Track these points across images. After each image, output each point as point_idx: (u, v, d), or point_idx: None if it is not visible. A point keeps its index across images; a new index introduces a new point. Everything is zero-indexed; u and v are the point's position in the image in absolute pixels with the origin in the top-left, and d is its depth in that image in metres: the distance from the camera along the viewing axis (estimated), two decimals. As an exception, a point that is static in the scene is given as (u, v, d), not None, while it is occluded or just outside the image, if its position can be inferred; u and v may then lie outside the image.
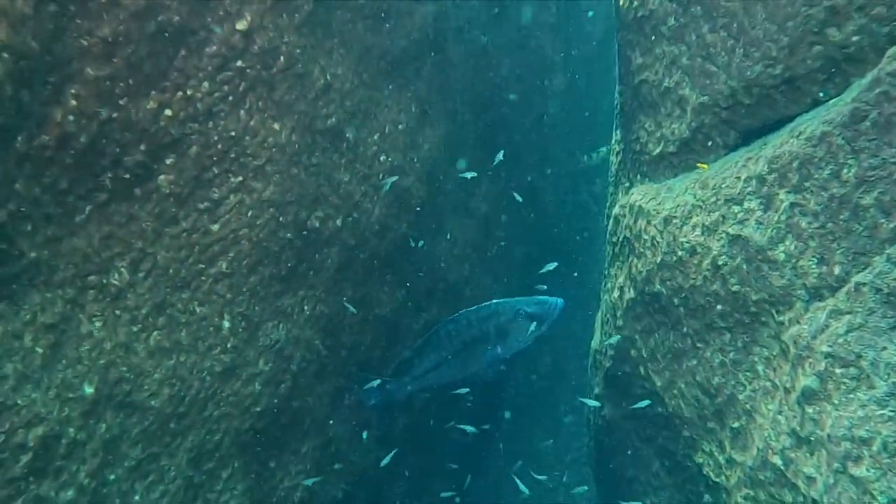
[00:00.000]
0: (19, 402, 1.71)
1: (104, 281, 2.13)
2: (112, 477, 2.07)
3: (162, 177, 2.33)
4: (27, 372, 1.76)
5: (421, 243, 3.77)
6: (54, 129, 1.88)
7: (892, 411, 1.80)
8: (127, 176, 2.19)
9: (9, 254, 1.75)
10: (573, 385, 6.30)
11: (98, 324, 2.07)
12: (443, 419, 4.62)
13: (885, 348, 1.84)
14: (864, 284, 1.91)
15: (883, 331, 1.85)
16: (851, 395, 1.93)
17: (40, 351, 1.82)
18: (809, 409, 2.11)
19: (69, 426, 1.88)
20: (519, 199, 4.72)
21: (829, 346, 2.02)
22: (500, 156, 4.26)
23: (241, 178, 2.64)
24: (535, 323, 3.04)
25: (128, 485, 2.15)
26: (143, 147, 2.22)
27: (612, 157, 3.72)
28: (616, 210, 3.31)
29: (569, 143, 6.67)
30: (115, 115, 2.07)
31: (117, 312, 2.18)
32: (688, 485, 3.03)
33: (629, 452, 3.57)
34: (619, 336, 3.31)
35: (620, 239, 3.25)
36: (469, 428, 4.17)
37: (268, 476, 3.10)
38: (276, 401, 3.03)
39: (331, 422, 3.61)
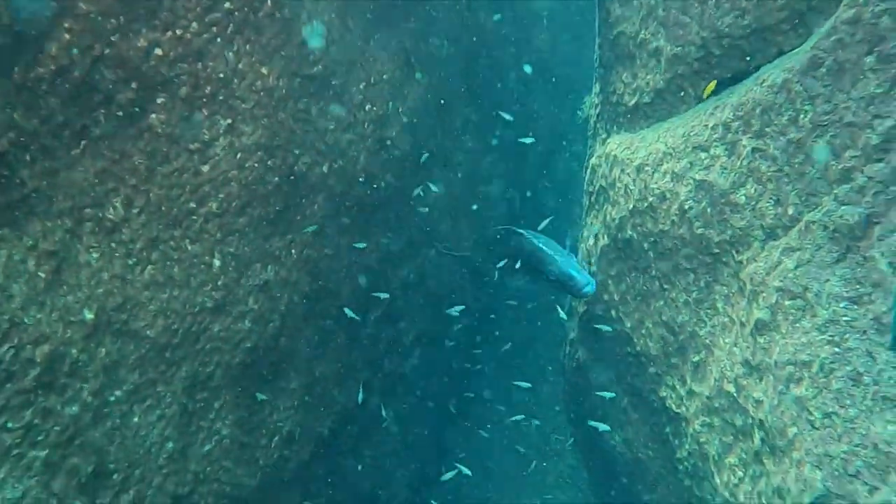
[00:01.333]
0: (26, 320, 1.82)
1: (100, 214, 2.22)
2: (112, 398, 2.20)
3: (153, 116, 2.39)
4: (32, 294, 1.86)
5: (418, 191, 3.95)
6: (49, 62, 1.94)
7: (831, 336, 1.99)
8: (120, 113, 2.26)
9: (10, 182, 1.83)
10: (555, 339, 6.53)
11: (95, 255, 2.17)
12: (430, 360, 4.82)
13: (828, 280, 2.01)
14: (814, 223, 2.07)
15: (828, 264, 2.03)
16: (797, 324, 2.12)
17: (43, 276, 1.92)
18: (761, 340, 2.30)
19: (72, 347, 2.00)
20: (528, 140, 4.89)
21: (781, 281, 2.19)
22: (529, 139, 4.47)
23: (230, 121, 2.71)
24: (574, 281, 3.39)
25: (127, 406, 2.29)
26: (134, 85, 2.28)
27: (591, 111, 3.82)
28: (593, 161, 3.44)
29: (555, 99, 6.73)
30: (107, 51, 2.13)
31: (113, 245, 2.28)
32: (653, 418, 3.26)
33: (600, 392, 3.80)
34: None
35: (596, 188, 3.39)
36: (464, 470, 4.56)
37: (257, 409, 3.26)
38: (264, 338, 3.17)
39: (316, 362, 3.77)
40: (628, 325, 3.24)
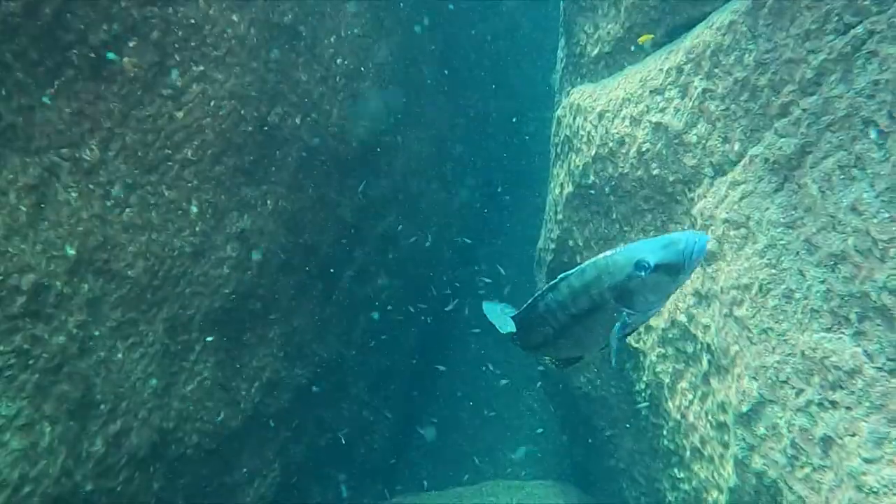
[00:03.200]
0: (10, 250, 1.89)
1: (77, 155, 2.27)
2: (97, 333, 2.29)
3: (125, 59, 2.43)
4: (14, 226, 1.93)
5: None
6: (21, -2, 1.97)
7: (768, 259, 2.18)
8: (92, 55, 2.30)
9: (-11, 114, 1.88)
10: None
11: (74, 194, 2.23)
12: (408, 310, 4.96)
13: (767, 208, 2.19)
14: (756, 156, 2.24)
15: (767, 194, 2.20)
16: (740, 252, 2.30)
17: (24, 209, 1.98)
18: (709, 269, 2.48)
19: (56, 280, 2.08)
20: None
21: (727, 213, 2.37)
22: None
23: (202, 68, 2.76)
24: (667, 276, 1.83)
25: (111, 342, 2.38)
26: (105, 27, 2.32)
27: (557, 66, 3.94)
28: (558, 112, 3.57)
29: (526, 65, 6.81)
30: (78, -10, 2.16)
31: (91, 186, 2.34)
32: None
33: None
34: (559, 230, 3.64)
35: (562, 139, 3.53)
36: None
37: (237, 354, 3.37)
38: (243, 286, 3.27)
39: (294, 313, 3.88)
40: (592, 268, 3.42)
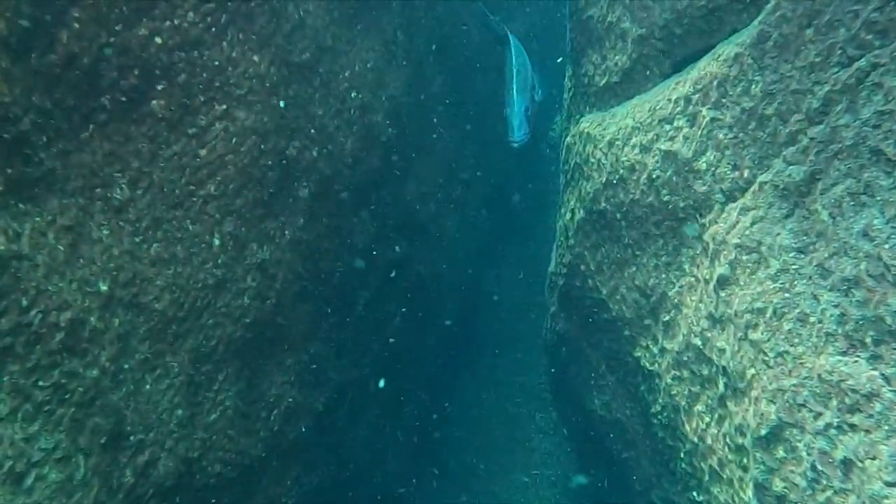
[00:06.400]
0: (50, 288, 1.96)
1: (108, 195, 2.36)
2: (126, 366, 2.36)
3: (154, 102, 2.54)
4: (53, 265, 2.00)
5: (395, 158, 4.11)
6: (60, 49, 2.08)
7: (781, 283, 2.23)
8: (124, 99, 2.40)
9: (31, 159, 1.97)
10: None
11: (106, 231, 2.32)
12: (420, 336, 5.00)
13: (779, 234, 2.25)
14: (766, 183, 2.31)
15: (778, 220, 2.26)
16: (753, 276, 2.36)
17: (62, 248, 2.06)
18: (723, 294, 2.53)
19: (90, 315, 2.15)
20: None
21: (739, 238, 2.43)
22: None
23: (225, 107, 2.86)
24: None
25: (139, 374, 2.44)
26: (136, 72, 2.42)
27: (565, 94, 4.04)
28: (568, 140, 3.66)
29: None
30: (111, 39, 2.27)
31: (121, 224, 2.42)
32: (628, 378, 3.50)
33: (580, 360, 4.03)
34: (571, 255, 3.71)
35: (572, 166, 3.61)
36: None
37: (257, 382, 3.42)
38: (263, 314, 3.33)
39: (310, 340, 3.94)
40: (604, 292, 3.47)
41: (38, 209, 1.99)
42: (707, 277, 2.67)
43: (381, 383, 4.84)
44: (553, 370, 4.62)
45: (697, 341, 2.73)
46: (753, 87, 2.29)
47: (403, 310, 5.02)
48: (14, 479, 1.76)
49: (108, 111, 2.33)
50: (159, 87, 2.54)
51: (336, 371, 4.29)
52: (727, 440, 2.56)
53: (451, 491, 5.84)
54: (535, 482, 6.06)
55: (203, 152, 2.80)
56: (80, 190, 2.22)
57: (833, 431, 1.98)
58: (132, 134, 2.45)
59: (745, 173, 2.41)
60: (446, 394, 6.08)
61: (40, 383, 1.92)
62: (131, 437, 2.37)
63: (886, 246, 1.84)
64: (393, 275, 4.78)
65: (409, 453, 5.38)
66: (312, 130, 3.52)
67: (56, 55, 2.06)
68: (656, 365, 3.14)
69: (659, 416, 3.18)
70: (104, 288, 2.24)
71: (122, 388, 2.36)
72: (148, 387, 2.49)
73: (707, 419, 2.72)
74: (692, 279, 2.81)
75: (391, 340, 4.87)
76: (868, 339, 1.90)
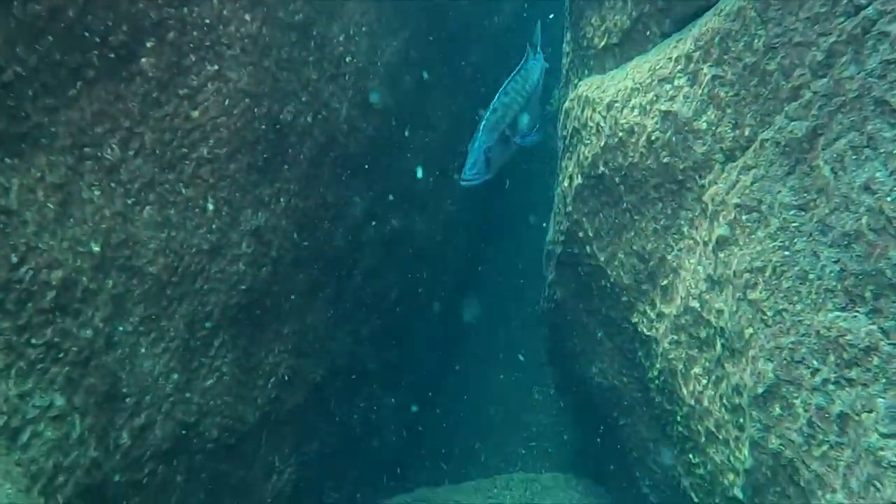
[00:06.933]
0: (41, 245, 1.93)
1: (98, 154, 2.32)
2: (121, 329, 2.34)
3: (143, 59, 2.48)
4: (43, 222, 1.97)
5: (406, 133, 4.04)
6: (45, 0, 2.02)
7: (781, 242, 2.21)
8: (112, 55, 2.34)
9: (17, 114, 1.92)
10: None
11: (97, 192, 2.28)
12: (418, 309, 5.00)
13: (779, 192, 2.22)
14: (767, 140, 2.27)
15: (779, 177, 2.23)
16: (753, 235, 2.33)
17: (52, 207, 2.03)
18: (721, 255, 2.52)
19: (82, 276, 2.12)
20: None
21: (739, 198, 2.40)
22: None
23: (216, 67, 2.80)
24: None
25: (135, 338, 2.42)
26: (125, 28, 2.36)
27: (563, 60, 3.97)
28: (566, 105, 3.61)
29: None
30: (98, -9, 2.21)
31: (112, 185, 2.38)
32: (626, 345, 3.50)
33: (577, 328, 4.03)
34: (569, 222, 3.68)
35: (570, 131, 3.56)
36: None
37: (253, 350, 3.42)
38: (258, 282, 3.31)
39: (307, 311, 3.93)
40: (602, 258, 3.45)
41: (25, 165, 1.95)
42: (706, 239, 2.65)
43: (380, 356, 4.84)
44: (550, 339, 4.62)
45: (695, 304, 2.72)
46: (756, 41, 2.24)
47: (401, 283, 5.00)
48: (10, 434, 1.75)
49: (96, 68, 2.27)
50: (148, 45, 2.48)
51: (334, 342, 4.29)
52: (724, 401, 2.57)
53: (449, 464, 5.88)
54: (531, 454, 6.10)
55: (195, 114, 2.75)
56: (69, 148, 2.17)
57: (830, 387, 1.97)
58: (122, 93, 2.40)
59: (746, 131, 2.37)
60: (444, 367, 6.09)
61: (33, 341, 1.90)
62: (127, 400, 2.36)
63: (888, 199, 1.82)
64: (390, 247, 4.75)
65: (408, 427, 5.41)
66: (306, 96, 3.46)
67: (40, 5, 2.00)
68: (654, 330, 3.13)
69: (656, 381, 3.18)
70: (96, 249, 2.21)
71: (117, 350, 2.34)
72: (143, 350, 2.47)
73: (704, 381, 2.72)
74: (691, 242, 2.79)
75: (389, 313, 4.86)
76: (867, 294, 1.88)
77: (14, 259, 1.86)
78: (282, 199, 3.45)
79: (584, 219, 3.53)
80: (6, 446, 1.72)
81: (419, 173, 4.14)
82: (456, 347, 6.34)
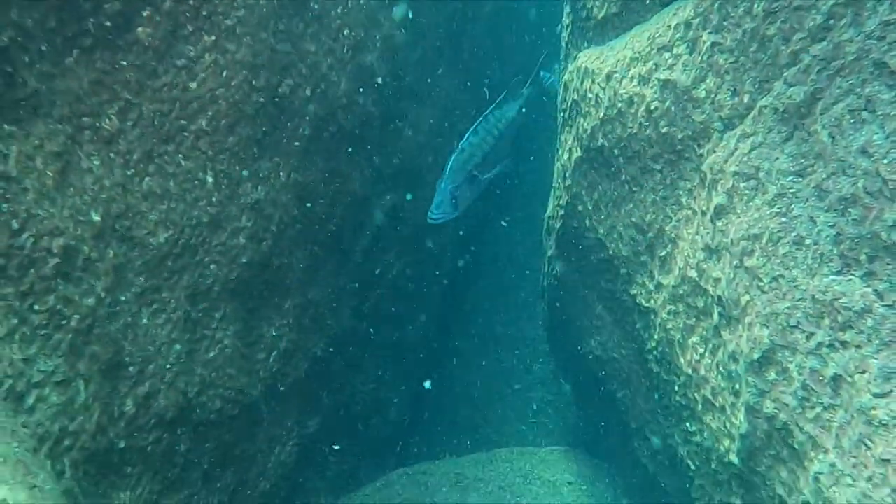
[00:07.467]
0: (41, 213, 1.94)
1: (97, 124, 2.32)
2: (123, 298, 2.36)
3: (140, 29, 2.47)
4: (43, 190, 1.98)
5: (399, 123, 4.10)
6: (39, -35, 2.01)
7: (778, 208, 2.21)
8: (108, 24, 2.33)
9: (14, 79, 1.93)
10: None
11: (96, 162, 2.29)
12: (419, 286, 5.02)
13: (777, 158, 2.22)
14: (766, 107, 2.27)
15: (777, 144, 2.23)
16: (750, 203, 2.34)
17: (51, 175, 2.04)
18: (719, 223, 2.52)
19: (84, 244, 2.14)
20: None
21: (737, 166, 2.40)
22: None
23: (214, 38, 2.79)
24: None
25: (136, 307, 2.45)
26: (120, -5, 2.35)
27: (563, 33, 3.94)
28: (565, 77, 3.59)
29: (534, 37, 6.78)
30: (92, -42, 2.19)
31: (112, 155, 2.39)
32: (625, 317, 3.52)
33: (577, 302, 4.05)
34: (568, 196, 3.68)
35: (569, 104, 3.55)
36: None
37: (255, 324, 3.45)
38: (259, 255, 3.33)
39: (308, 286, 3.95)
40: (601, 231, 3.46)
41: (24, 132, 1.95)
42: (704, 209, 2.66)
43: (381, 332, 4.87)
44: (550, 314, 4.65)
45: (693, 273, 2.73)
46: (756, 6, 2.22)
47: (402, 259, 5.02)
48: (15, 397, 1.78)
49: (93, 36, 2.27)
50: (144, 14, 2.47)
51: (335, 317, 4.32)
52: (720, 369, 2.59)
53: (449, 440, 5.95)
54: (533, 431, 6.17)
55: (193, 85, 2.74)
56: (68, 117, 2.18)
57: (825, 350, 1.99)
58: (119, 62, 2.39)
59: (745, 98, 2.36)
60: (446, 344, 6.14)
61: (36, 307, 1.92)
62: (130, 368, 2.39)
63: (885, 161, 1.82)
64: (391, 223, 4.76)
65: (409, 403, 5.47)
66: (305, 68, 3.44)
67: (34, -29, 1.99)
68: (652, 301, 3.15)
69: (654, 352, 3.21)
70: (96, 218, 2.22)
71: (119, 320, 2.37)
72: (145, 321, 2.50)
73: (701, 350, 2.75)
74: (689, 212, 2.80)
75: (390, 289, 4.89)
76: (863, 257, 1.89)
77: (15, 225, 1.88)
78: (281, 174, 3.46)
79: (583, 192, 3.54)
80: (12, 409, 1.75)
81: (408, 197, 4.27)
82: (459, 324, 6.38)
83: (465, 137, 3.94)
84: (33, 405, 1.83)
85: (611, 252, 3.42)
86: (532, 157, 6.43)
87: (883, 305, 1.83)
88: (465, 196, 3.93)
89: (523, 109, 4.19)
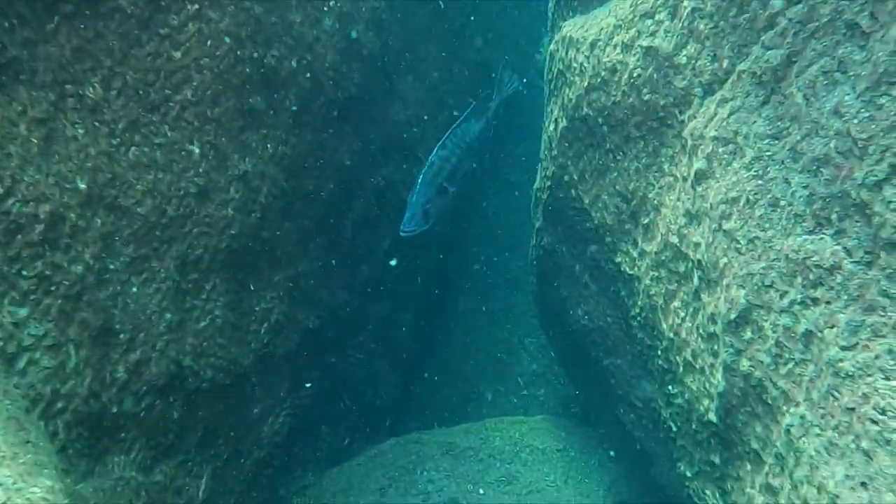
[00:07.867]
0: (26, 179, 1.97)
1: (80, 92, 2.33)
2: (112, 266, 2.39)
3: (121, -4, 2.46)
4: (28, 156, 2.00)
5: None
6: (16, -69, 2.00)
7: (755, 172, 2.26)
8: (90, -10, 2.32)
9: (-5, 45, 1.93)
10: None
11: (81, 130, 2.30)
12: (410, 261, 5.07)
13: (755, 122, 2.26)
14: (744, 71, 2.29)
15: (755, 108, 2.27)
16: (728, 167, 2.38)
17: (35, 141, 2.05)
18: (699, 189, 2.57)
19: (70, 212, 2.16)
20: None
21: (716, 131, 2.44)
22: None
23: (197, 6, 2.78)
24: None
25: (125, 277, 2.48)
26: (100, -38, 2.34)
27: (550, 4, 3.93)
28: (551, 47, 3.59)
29: (528, 10, 6.72)
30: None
31: (96, 124, 2.40)
32: (610, 286, 3.58)
33: (564, 273, 4.11)
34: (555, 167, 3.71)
35: (555, 74, 3.56)
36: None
37: (245, 296, 3.49)
38: (247, 227, 3.36)
39: (298, 259, 3.98)
40: (587, 201, 3.50)
41: (6, 98, 1.97)
42: (685, 175, 2.70)
43: (373, 305, 4.92)
44: (539, 285, 4.70)
45: (675, 239, 2.78)
46: (735, -30, 2.24)
47: (393, 233, 5.04)
48: (6, 359, 1.83)
49: (73, 3, 2.26)
50: (125, -19, 2.45)
51: (326, 291, 4.36)
52: (700, 331, 2.66)
53: (441, 413, 6.04)
54: (524, 403, 6.27)
55: (177, 55, 2.74)
56: (50, 84, 2.18)
57: (797, 307, 2.05)
58: (101, 30, 2.39)
59: (725, 63, 2.39)
60: (437, 319, 6.20)
61: (24, 273, 1.95)
62: (121, 336, 2.44)
63: (855, 121, 1.86)
64: (381, 197, 4.78)
65: (400, 376, 5.54)
66: (290, 40, 3.43)
67: (13, -64, 1.98)
68: (636, 268, 3.21)
69: (638, 318, 3.27)
70: (82, 186, 2.24)
71: (109, 288, 2.40)
72: (135, 289, 2.53)
73: (682, 314, 2.81)
74: (671, 178, 2.84)
75: (381, 263, 4.92)
76: (833, 216, 1.94)
77: (0, 190, 1.90)
78: (269, 146, 3.47)
79: (569, 162, 3.57)
80: (4, 370, 1.79)
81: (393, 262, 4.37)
82: (450, 299, 6.43)
83: (434, 151, 4.10)
84: (25, 368, 1.88)
85: (596, 221, 3.46)
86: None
87: (851, 262, 1.88)
88: (435, 209, 4.08)
89: (493, 122, 4.35)
